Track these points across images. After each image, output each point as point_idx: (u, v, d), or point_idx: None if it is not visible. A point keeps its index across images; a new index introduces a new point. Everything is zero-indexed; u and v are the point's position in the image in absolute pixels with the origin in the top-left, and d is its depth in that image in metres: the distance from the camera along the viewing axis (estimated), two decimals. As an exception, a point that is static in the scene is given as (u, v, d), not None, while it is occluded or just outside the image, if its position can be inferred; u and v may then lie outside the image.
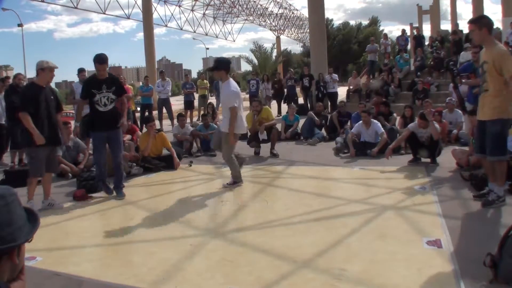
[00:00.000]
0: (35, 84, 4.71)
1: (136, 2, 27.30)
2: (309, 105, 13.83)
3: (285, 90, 14.61)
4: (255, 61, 32.32)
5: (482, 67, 4.04)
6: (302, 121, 9.31)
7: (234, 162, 5.43)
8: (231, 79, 5.34)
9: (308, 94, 14.33)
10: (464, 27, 22.50)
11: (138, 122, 10.44)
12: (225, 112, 5.31)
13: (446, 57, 13.37)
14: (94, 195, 5.23)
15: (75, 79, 8.27)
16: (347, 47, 60.00)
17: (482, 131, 4.08)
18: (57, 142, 4.82)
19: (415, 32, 17.63)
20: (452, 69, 7.23)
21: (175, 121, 9.76)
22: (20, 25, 34.59)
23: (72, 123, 7.46)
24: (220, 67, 5.26)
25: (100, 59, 4.99)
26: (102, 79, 5.03)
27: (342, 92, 15.86)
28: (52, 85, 8.42)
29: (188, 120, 11.96)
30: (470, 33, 4.18)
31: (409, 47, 17.57)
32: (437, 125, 6.28)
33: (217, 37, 41.10)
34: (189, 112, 12.98)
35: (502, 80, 3.81)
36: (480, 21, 4.03)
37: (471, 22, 4.10)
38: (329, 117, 9.46)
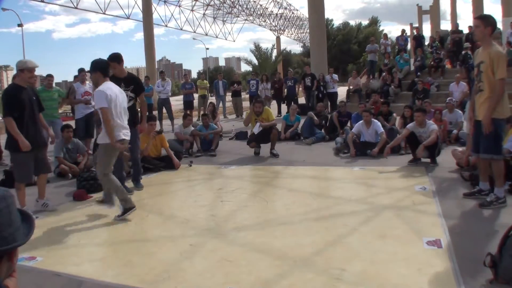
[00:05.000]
0: (16, 85, 4.42)
1: (136, 2, 27.34)
2: (310, 104, 13.82)
3: (285, 90, 14.61)
4: (255, 61, 32.33)
5: (478, 67, 4.07)
6: (302, 121, 9.31)
7: (112, 180, 4.28)
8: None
9: (310, 93, 14.32)
10: (464, 27, 22.55)
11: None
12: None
13: (460, 51, 13.24)
14: (94, 195, 5.23)
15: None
16: (347, 47, 59.95)
17: (478, 131, 4.11)
18: (42, 143, 4.64)
19: (415, 32, 17.62)
20: (468, 62, 7.18)
21: (176, 121, 9.76)
22: (20, 25, 34.51)
23: (72, 123, 7.46)
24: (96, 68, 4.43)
25: (118, 59, 5.04)
26: (121, 78, 5.06)
27: (342, 92, 15.85)
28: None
29: (188, 120, 11.94)
30: (474, 29, 4.21)
31: (409, 47, 17.56)
32: (434, 126, 6.28)
33: (217, 37, 41.15)
34: (189, 112, 12.96)
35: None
36: (488, 19, 4.07)
37: (478, 18, 4.13)
38: (329, 117, 9.47)
